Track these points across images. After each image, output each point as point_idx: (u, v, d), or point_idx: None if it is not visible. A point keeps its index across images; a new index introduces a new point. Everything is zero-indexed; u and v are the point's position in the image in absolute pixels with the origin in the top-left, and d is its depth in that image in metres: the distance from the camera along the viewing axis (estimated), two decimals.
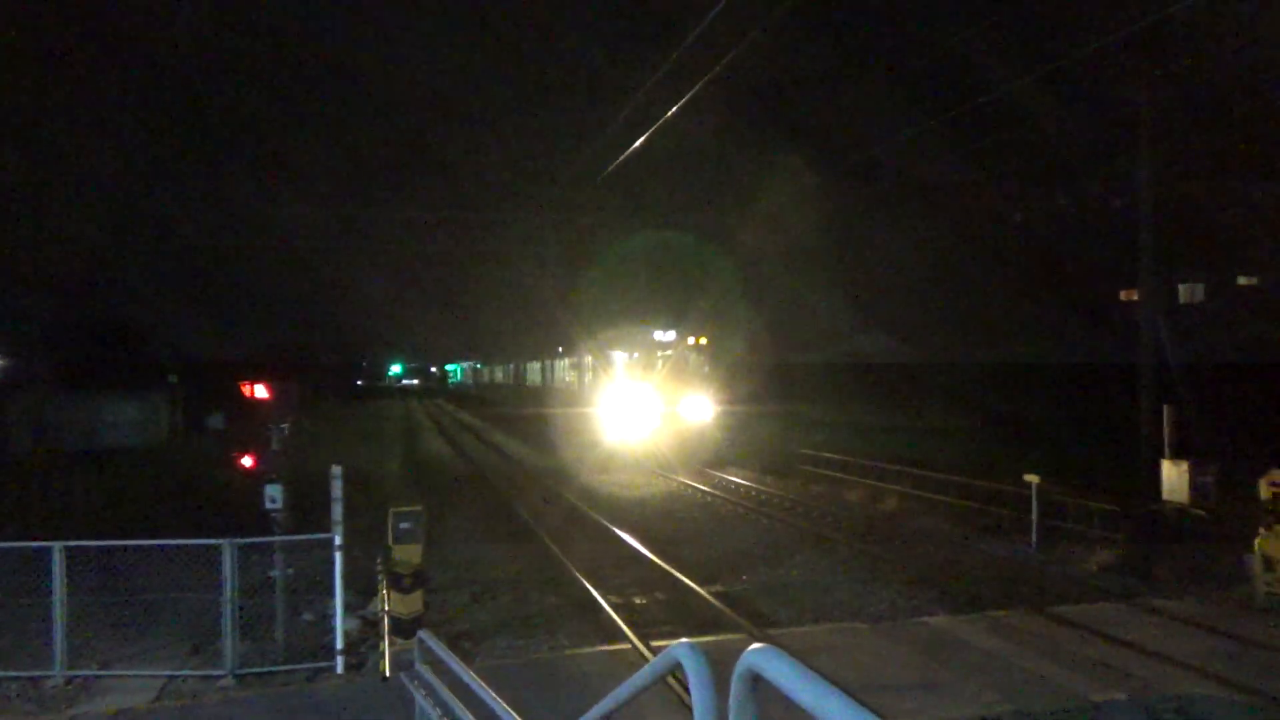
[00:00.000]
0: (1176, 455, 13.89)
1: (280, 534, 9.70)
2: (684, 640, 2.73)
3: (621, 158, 19.84)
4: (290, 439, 11.17)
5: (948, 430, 28.47)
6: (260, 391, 11.15)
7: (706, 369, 25.58)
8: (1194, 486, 13.43)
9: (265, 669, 8.86)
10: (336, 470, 9.24)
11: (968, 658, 8.64)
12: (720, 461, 24.67)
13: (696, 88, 13.91)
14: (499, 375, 59.02)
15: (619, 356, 25.61)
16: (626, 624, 9.76)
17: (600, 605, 10.76)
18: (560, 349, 33.96)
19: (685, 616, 10.68)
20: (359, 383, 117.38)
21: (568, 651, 9.42)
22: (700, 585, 11.53)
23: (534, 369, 42.07)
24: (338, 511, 9.06)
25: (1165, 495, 13.60)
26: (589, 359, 28.13)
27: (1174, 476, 13.49)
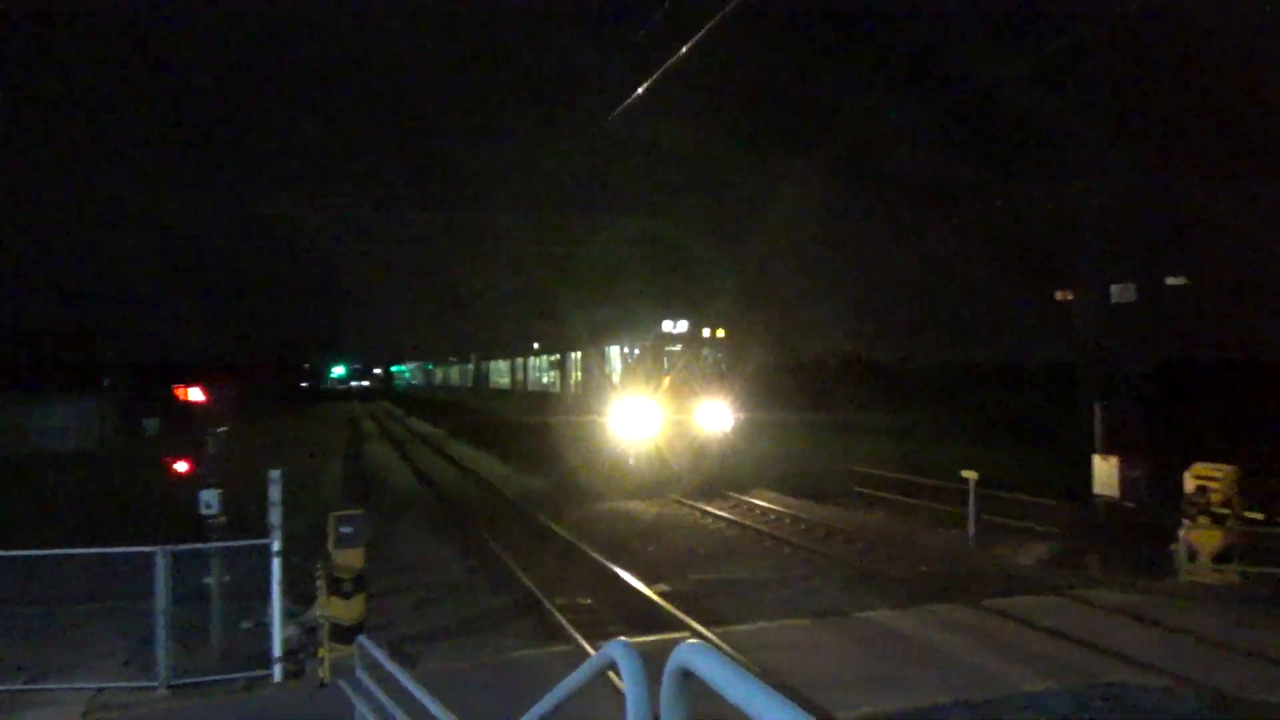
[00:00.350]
0: (1108, 451, 14.29)
1: (216, 540, 9.48)
2: (619, 639, 2.74)
3: (628, 101, 16.37)
4: (228, 444, 10.93)
5: (940, 431, 27.88)
6: (195, 394, 10.88)
7: (725, 368, 21.21)
8: (1124, 481, 13.83)
9: (200, 679, 8.64)
10: (275, 474, 9.05)
11: (907, 650, 8.80)
12: (746, 482, 20.51)
13: (677, 56, 13.30)
14: (454, 376, 52.29)
15: (617, 352, 21.12)
16: None
17: None
18: (536, 344, 28.95)
19: None
20: (303, 385, 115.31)
21: (513, 653, 9.36)
22: None
23: (500, 369, 36.36)
24: (276, 516, 8.89)
25: (1097, 490, 13.99)
26: (576, 356, 23.56)
27: (1105, 472, 13.88)
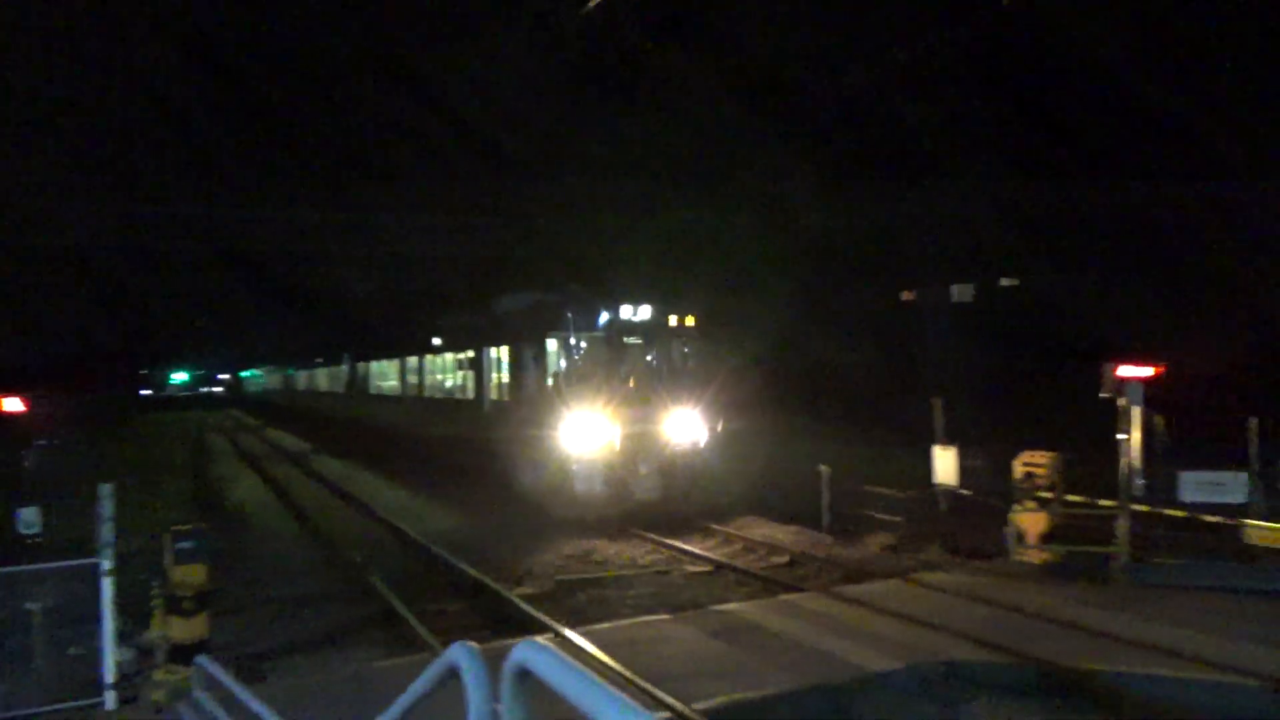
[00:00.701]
0: (947, 442, 15.18)
1: (38, 562, 8.80)
2: (464, 642, 2.72)
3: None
4: (53, 457, 10.19)
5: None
6: (13, 405, 10.06)
7: (694, 365, 17.47)
8: (962, 470, 14.74)
9: (22, 711, 8.00)
10: (106, 488, 8.50)
11: (761, 640, 9.08)
12: (729, 509, 16.86)
13: None
14: (322, 381, 44.34)
15: (556, 347, 16.86)
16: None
17: None
18: (439, 339, 23.41)
19: None
20: (145, 393, 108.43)
21: (368, 664, 9.10)
22: None
23: (385, 371, 30.41)
24: (107, 533, 8.34)
25: (937, 479, 14.85)
26: (497, 352, 18.94)
27: (944, 461, 14.74)
